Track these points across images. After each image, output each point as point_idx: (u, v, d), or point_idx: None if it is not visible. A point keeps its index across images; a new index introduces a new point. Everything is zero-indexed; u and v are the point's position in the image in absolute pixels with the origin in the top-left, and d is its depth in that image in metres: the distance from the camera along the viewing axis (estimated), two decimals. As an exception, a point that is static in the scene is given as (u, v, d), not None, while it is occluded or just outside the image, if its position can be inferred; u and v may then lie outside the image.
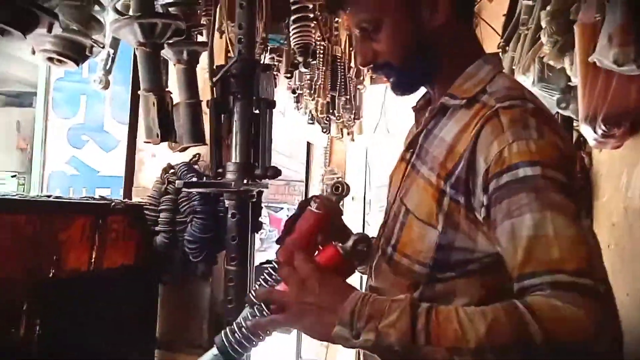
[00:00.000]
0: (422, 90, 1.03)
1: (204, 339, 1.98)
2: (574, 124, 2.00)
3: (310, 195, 4.73)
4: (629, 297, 1.50)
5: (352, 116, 3.91)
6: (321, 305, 0.77)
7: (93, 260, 1.66)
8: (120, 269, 1.81)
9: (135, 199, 2.09)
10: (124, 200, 1.86)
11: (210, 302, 1.98)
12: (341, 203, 0.99)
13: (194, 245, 1.83)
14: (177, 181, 1.66)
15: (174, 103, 1.56)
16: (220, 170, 1.33)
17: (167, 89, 1.51)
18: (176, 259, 1.91)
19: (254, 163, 1.32)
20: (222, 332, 0.90)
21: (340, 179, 0.97)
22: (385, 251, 0.95)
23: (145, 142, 1.49)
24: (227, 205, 1.45)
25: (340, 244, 0.87)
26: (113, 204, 1.70)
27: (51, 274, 1.47)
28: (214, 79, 1.29)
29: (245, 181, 1.19)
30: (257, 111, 1.36)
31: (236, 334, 0.87)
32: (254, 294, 0.87)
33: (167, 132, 1.39)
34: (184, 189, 1.69)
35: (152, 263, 1.92)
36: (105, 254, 1.72)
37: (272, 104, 1.37)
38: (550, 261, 0.69)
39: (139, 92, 1.35)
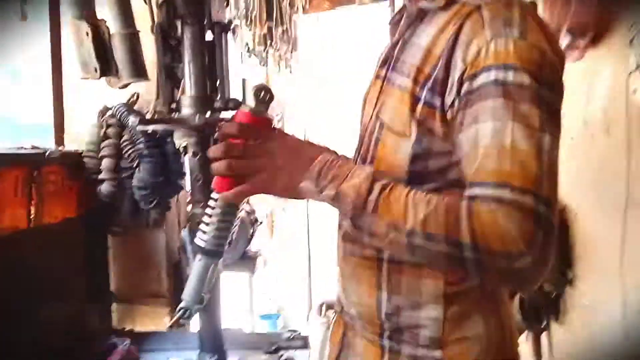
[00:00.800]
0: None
1: (164, 288, 1.89)
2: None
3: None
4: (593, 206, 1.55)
5: (290, 47, 3.74)
6: (291, 168, 0.80)
7: (32, 216, 1.50)
8: (64, 224, 1.65)
9: (70, 147, 1.89)
10: (59, 149, 1.67)
11: (167, 250, 1.87)
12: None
13: (145, 191, 1.69)
14: (131, 119, 1.49)
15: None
16: (173, 105, 1.19)
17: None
18: (124, 207, 1.77)
19: (211, 95, 1.19)
20: (196, 236, 0.89)
21: (262, 83, 0.88)
22: None
23: (82, 78, 1.30)
24: (181, 145, 1.31)
25: (242, 106, 0.85)
26: (47, 152, 1.51)
27: (-14, 234, 1.31)
28: (159, 1, 1.12)
29: (206, 115, 1.07)
30: (210, 37, 1.21)
31: (208, 227, 0.87)
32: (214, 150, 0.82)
33: (106, 66, 1.22)
34: (136, 128, 1.53)
35: (98, 214, 1.77)
36: (44, 209, 1.55)
37: (226, 27, 1.22)
38: (500, 173, 0.69)
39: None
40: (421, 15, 0.87)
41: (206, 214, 0.88)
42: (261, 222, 3.04)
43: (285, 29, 3.43)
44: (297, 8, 3.88)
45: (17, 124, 2.45)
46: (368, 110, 0.96)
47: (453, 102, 0.77)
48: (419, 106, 0.80)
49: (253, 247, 3.12)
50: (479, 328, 0.85)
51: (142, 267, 1.85)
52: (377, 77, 0.96)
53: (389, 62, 0.92)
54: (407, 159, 0.82)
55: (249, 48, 3.26)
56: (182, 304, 0.99)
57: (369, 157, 0.90)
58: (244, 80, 4.54)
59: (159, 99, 1.19)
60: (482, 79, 0.73)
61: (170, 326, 0.91)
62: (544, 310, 1.78)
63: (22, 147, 1.44)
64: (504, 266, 0.67)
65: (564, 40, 1.39)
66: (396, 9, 1.06)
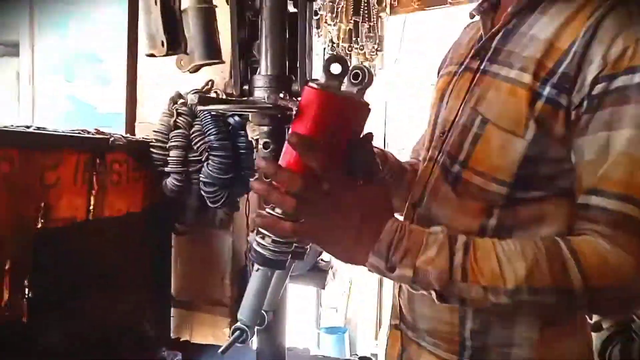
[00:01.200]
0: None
1: (226, 295, 1.73)
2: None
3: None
4: None
5: (375, 47, 3.54)
6: (357, 232, 0.68)
7: (92, 207, 1.38)
8: (126, 218, 1.52)
9: (140, 136, 1.78)
10: (125, 136, 1.55)
11: (232, 254, 1.70)
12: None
13: (212, 188, 1.53)
14: (189, 96, 1.34)
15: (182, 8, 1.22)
16: (245, 87, 1.01)
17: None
18: (191, 204, 1.62)
19: (289, 76, 1.00)
20: (253, 247, 0.76)
21: (359, 64, 0.69)
22: (449, 171, 0.85)
23: (147, 55, 1.16)
24: (253, 137, 1.12)
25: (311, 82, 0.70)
26: (112, 138, 1.39)
27: (39, 224, 1.19)
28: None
29: (282, 96, 0.87)
30: (293, 8, 1.02)
31: (266, 239, 0.74)
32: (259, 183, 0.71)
33: (174, 41, 1.06)
34: (199, 110, 1.38)
35: (163, 210, 1.64)
36: (106, 200, 1.43)
37: (312, -4, 1.03)
38: (628, 185, 0.66)
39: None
40: (532, 4, 0.80)
41: (270, 214, 0.72)
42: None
43: (372, 25, 3.24)
44: (385, 5, 3.68)
45: (96, 113, 2.42)
46: (453, 103, 0.88)
47: (581, 102, 0.71)
48: (539, 103, 0.74)
49: (325, 257, 2.85)
50: (570, 353, 0.83)
51: (205, 271, 1.70)
52: (466, 68, 0.88)
53: (483, 53, 0.85)
54: (517, 160, 0.76)
55: (332, 44, 3.09)
56: (237, 324, 0.82)
57: (462, 155, 0.82)
58: (386, 103, 4.38)
59: (231, 78, 1.02)
60: (623, 80, 0.67)
61: (223, 352, 0.74)
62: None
63: (85, 131, 1.32)
64: (618, 298, 0.65)
65: None
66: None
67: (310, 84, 0.72)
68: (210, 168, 1.52)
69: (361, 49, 3.29)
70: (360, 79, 0.72)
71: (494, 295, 0.66)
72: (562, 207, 0.77)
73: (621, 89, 0.68)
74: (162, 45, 1.05)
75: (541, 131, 0.74)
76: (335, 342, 4.45)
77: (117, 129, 1.72)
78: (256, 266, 0.79)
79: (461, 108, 0.86)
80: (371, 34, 3.26)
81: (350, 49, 3.20)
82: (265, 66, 1.00)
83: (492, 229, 0.81)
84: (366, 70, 0.73)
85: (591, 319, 1.64)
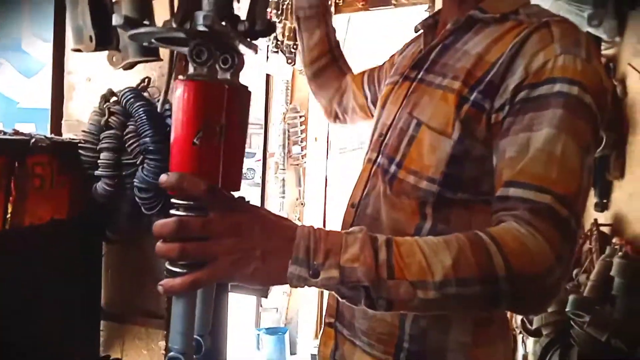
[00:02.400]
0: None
1: (161, 306, 1.62)
2: (602, 47, 1.70)
3: (268, 142, 4.31)
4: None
5: (320, 45, 3.49)
6: (265, 249, 0.64)
7: (9, 215, 1.25)
8: (50, 226, 1.39)
9: (67, 135, 1.64)
10: (50, 137, 1.42)
11: (169, 263, 1.60)
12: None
13: (147, 194, 1.43)
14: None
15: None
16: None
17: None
18: (123, 211, 1.51)
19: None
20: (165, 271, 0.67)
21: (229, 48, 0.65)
22: (387, 171, 0.90)
23: (73, 50, 1.04)
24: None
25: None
26: (33, 140, 1.26)
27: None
28: None
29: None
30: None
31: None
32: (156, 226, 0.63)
33: (104, 36, 0.96)
34: (133, 109, 1.25)
35: (92, 217, 1.52)
36: (26, 207, 1.30)
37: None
38: (546, 179, 0.70)
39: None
40: (468, 25, 0.88)
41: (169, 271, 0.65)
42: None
43: (317, 24, 3.19)
44: (330, 4, 3.64)
45: (17, 108, 2.23)
46: (391, 109, 0.94)
47: (502, 107, 0.77)
48: (465, 106, 0.80)
49: None
50: (501, 354, 0.87)
51: (138, 281, 1.58)
52: (405, 78, 0.95)
53: (421, 64, 0.92)
54: (445, 159, 0.81)
55: (277, 42, 3.01)
56: (171, 354, 0.74)
57: (398, 156, 0.87)
58: (267, 77, 4.30)
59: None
60: (544, 89, 0.74)
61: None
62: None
63: (2, 132, 1.19)
64: (536, 287, 0.67)
65: None
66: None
67: (180, 76, 0.68)
68: (145, 172, 1.42)
69: None
70: (230, 63, 0.69)
71: (422, 291, 0.64)
72: (489, 217, 0.78)
73: (542, 97, 0.74)
74: (90, 40, 0.95)
75: (466, 132, 0.80)
76: (275, 343, 4.38)
77: (41, 126, 1.58)
78: None
79: (398, 113, 0.92)
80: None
81: (295, 47, 3.13)
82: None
83: (426, 233, 0.84)
84: (235, 54, 0.70)
85: (531, 325, 1.68)
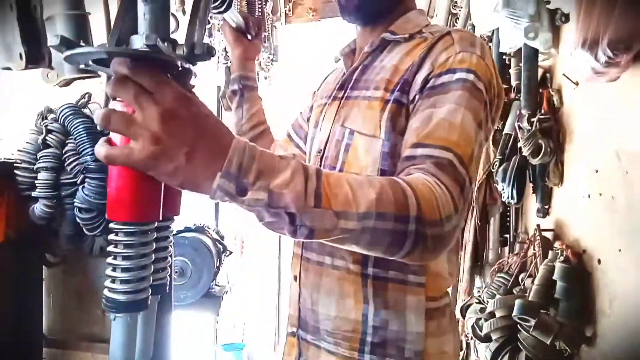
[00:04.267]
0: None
1: (107, 330, 1.56)
2: (539, 58, 1.77)
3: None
4: (621, 253, 1.31)
5: (271, 57, 3.48)
6: (193, 150, 0.59)
7: (-63, 242, 1.17)
8: (-17, 251, 1.32)
9: (1, 155, 1.57)
10: (-18, 157, 1.35)
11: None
12: None
13: (88, 214, 1.38)
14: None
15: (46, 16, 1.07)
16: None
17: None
18: (64, 232, 1.45)
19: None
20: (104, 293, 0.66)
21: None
22: None
23: (2, 68, 0.99)
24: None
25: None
26: (-37, 161, 1.19)
27: None
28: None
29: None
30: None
31: (116, 282, 0.64)
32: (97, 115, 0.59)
33: (35, 53, 0.92)
34: (82, 136, 1.21)
35: (30, 240, 1.45)
36: (-44, 232, 1.23)
37: None
38: (448, 140, 0.80)
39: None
40: (383, 46, 1.02)
41: (110, 252, 0.64)
42: (231, 252, 2.66)
43: (267, 35, 3.17)
44: (280, 15, 3.64)
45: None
46: (325, 126, 1.02)
47: (414, 98, 0.88)
48: (388, 105, 0.90)
49: (219, 282, 2.56)
50: (451, 344, 0.97)
51: (82, 305, 1.52)
52: (333, 98, 1.04)
53: (346, 85, 1.03)
54: (378, 157, 0.90)
55: (226, 53, 2.97)
56: None
57: (338, 164, 0.95)
58: (219, 88, 4.24)
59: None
60: (446, 77, 0.86)
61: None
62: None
63: None
64: (437, 232, 0.71)
65: (601, 56, 1.16)
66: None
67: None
68: (86, 192, 1.37)
69: (257, 59, 3.20)
70: None
71: (344, 221, 0.66)
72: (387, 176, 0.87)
73: (445, 84, 0.85)
74: (21, 58, 0.90)
75: (391, 127, 0.89)
76: (233, 359, 4.31)
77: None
78: (112, 314, 0.67)
79: (332, 128, 1.00)
80: (266, 44, 3.19)
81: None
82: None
83: None
84: (176, 73, 0.66)
85: (481, 330, 1.72)
